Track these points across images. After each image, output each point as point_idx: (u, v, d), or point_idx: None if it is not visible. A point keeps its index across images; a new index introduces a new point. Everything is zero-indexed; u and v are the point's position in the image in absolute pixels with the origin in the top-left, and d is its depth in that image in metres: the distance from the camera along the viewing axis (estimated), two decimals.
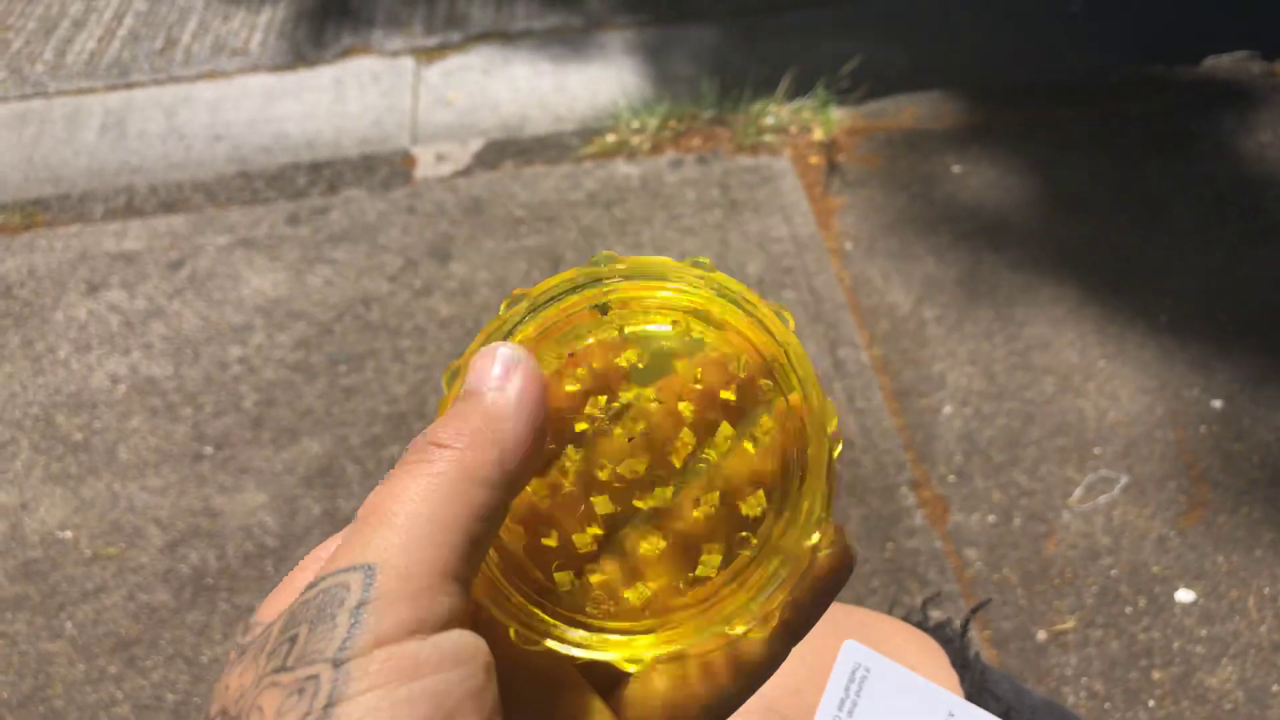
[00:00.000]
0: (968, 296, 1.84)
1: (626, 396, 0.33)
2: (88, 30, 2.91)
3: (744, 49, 2.60)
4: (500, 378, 0.30)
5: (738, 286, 0.33)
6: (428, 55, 2.70)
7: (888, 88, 2.34)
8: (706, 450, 0.33)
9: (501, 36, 2.73)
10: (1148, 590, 1.43)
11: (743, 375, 0.33)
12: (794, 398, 0.32)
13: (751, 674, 0.31)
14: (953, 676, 0.54)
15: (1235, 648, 1.36)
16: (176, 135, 2.52)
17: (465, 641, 0.25)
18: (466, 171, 2.24)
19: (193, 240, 2.10)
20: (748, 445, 0.33)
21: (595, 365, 0.33)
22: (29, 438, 1.74)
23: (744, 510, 0.32)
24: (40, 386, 1.82)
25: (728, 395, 0.33)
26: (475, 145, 2.33)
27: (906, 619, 0.62)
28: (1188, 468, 1.56)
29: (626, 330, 0.34)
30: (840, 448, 0.31)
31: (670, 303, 0.34)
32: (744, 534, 0.32)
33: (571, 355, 0.33)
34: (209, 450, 1.70)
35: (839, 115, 2.24)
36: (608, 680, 0.32)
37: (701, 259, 0.34)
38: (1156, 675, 1.34)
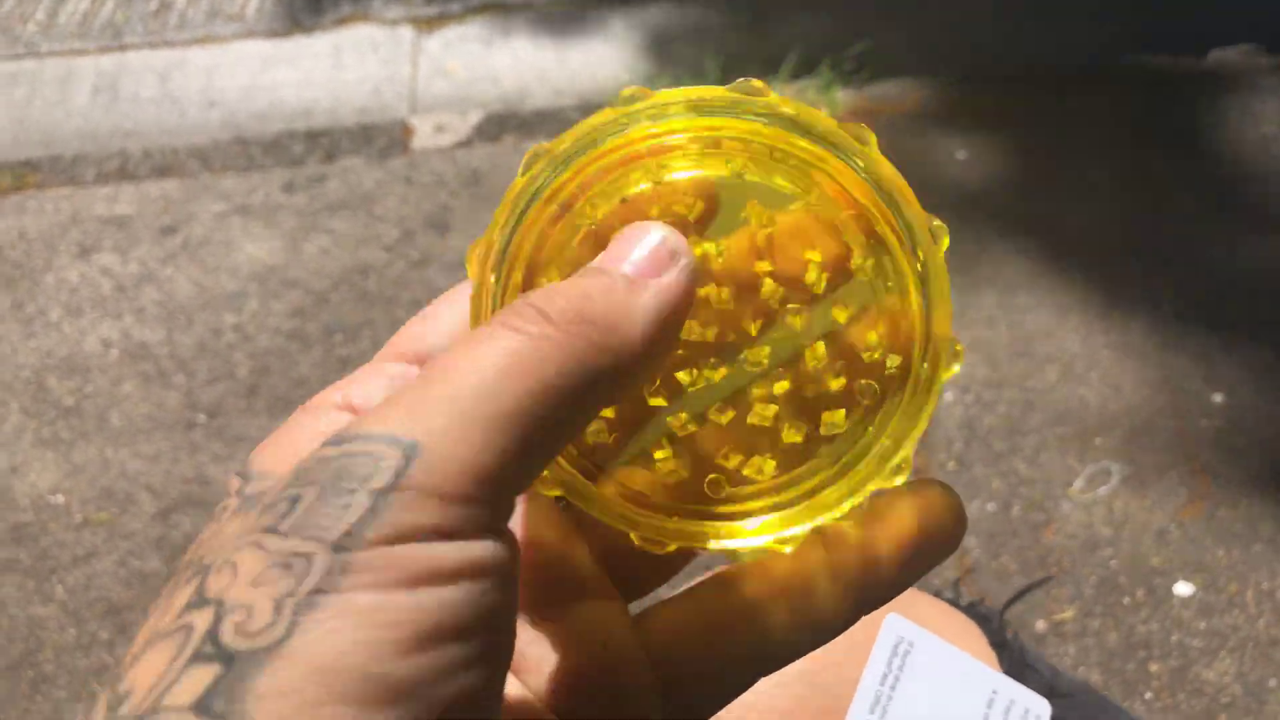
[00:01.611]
0: (970, 284, 1.83)
1: (698, 249, 0.28)
2: None
3: (748, 27, 2.57)
4: (646, 267, 0.25)
5: (829, 124, 0.27)
6: (427, 24, 2.67)
7: (892, 71, 2.32)
8: (790, 318, 0.28)
9: (501, 8, 2.70)
10: (1147, 582, 1.43)
11: (844, 238, 0.28)
12: (910, 298, 0.27)
13: (814, 629, 0.27)
14: (991, 655, 0.53)
15: (1233, 641, 1.36)
16: (170, 100, 2.48)
17: (491, 552, 0.21)
18: (466, 143, 2.22)
19: (186, 206, 2.07)
20: (838, 315, 0.28)
21: (653, 214, 0.28)
22: (19, 400, 1.71)
23: (832, 392, 0.28)
24: (31, 350, 1.79)
25: (816, 262, 0.28)
26: (475, 117, 2.30)
27: (938, 595, 0.61)
28: (1189, 460, 1.55)
29: (683, 176, 0.28)
30: (960, 362, 0.27)
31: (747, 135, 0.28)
32: (832, 423, 0.28)
33: (624, 202, 0.28)
34: (202, 418, 1.68)
35: (843, 97, 2.23)
36: (632, 589, 0.29)
37: (755, 81, 0.28)
38: (1154, 667, 1.34)
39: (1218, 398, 1.63)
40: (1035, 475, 1.55)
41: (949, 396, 1.65)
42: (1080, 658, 1.35)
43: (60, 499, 1.57)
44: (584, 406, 0.23)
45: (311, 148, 2.25)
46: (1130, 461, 1.55)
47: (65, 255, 1.96)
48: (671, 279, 0.25)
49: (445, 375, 0.22)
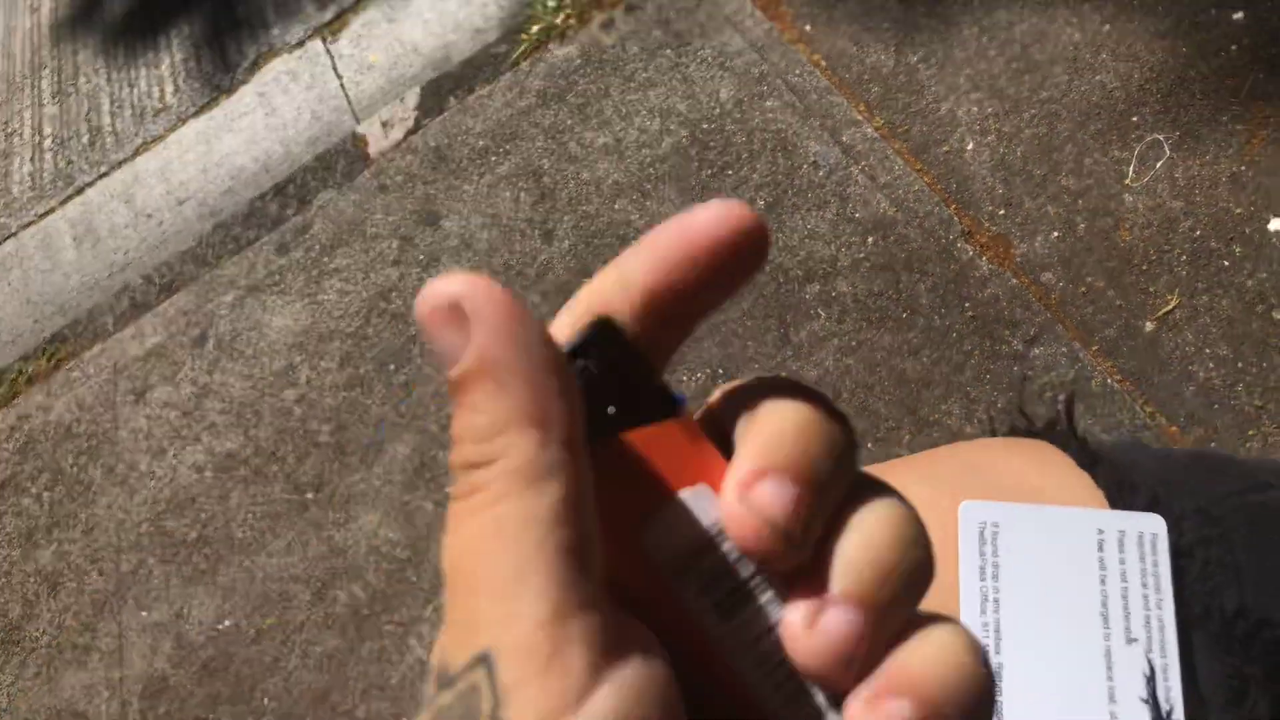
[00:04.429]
0: (944, 23, 1.73)
1: None
2: (18, 155, 2.88)
3: None
4: (457, 332, 0.22)
5: None
6: (330, 29, 2.61)
7: None
8: None
9: None
10: (1239, 235, 1.36)
11: None
12: None
13: None
14: (1084, 479, 0.50)
15: None
16: (143, 216, 2.50)
17: (626, 688, 0.21)
18: (416, 127, 2.18)
19: (203, 310, 2.11)
20: None
21: None
22: (152, 554, 1.80)
23: None
24: (140, 504, 1.87)
25: None
26: (413, 97, 2.26)
27: (1013, 430, 0.57)
28: (1233, 94, 1.46)
29: None
30: None
31: None
32: None
33: None
34: (310, 495, 1.74)
35: None
36: None
37: None
38: (1278, 314, 1.29)
39: (1238, 15, 1.52)
40: (1086, 184, 1.48)
41: (969, 146, 1.58)
42: (1200, 340, 1.31)
43: (228, 623, 1.65)
44: (578, 488, 0.22)
45: (284, 200, 2.25)
46: (1175, 124, 1.47)
47: (125, 406, 2.03)
48: (483, 313, 0.22)
49: (464, 578, 0.22)
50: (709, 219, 0.24)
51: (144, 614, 1.72)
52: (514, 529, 0.21)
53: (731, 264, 0.24)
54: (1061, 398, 1.33)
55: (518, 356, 0.22)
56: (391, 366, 1.82)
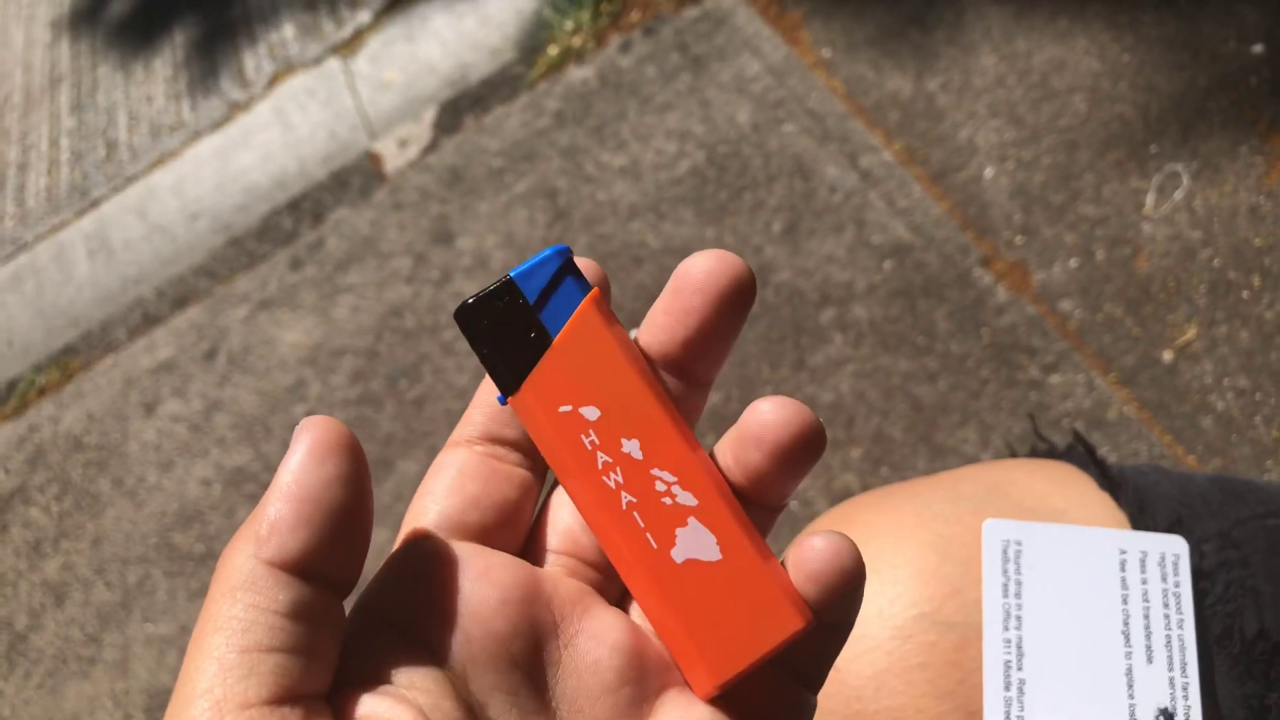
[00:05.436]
0: (963, 50, 1.73)
1: None
2: (34, 169, 2.89)
3: None
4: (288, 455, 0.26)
5: None
6: (348, 48, 2.62)
7: None
8: None
9: None
10: (1258, 266, 1.36)
11: None
12: None
13: None
14: (1106, 501, 0.50)
15: None
16: (158, 231, 2.51)
17: None
18: (432, 146, 2.19)
19: (215, 324, 2.11)
20: None
21: None
22: (158, 567, 1.79)
23: None
24: (147, 517, 1.87)
25: None
26: (429, 116, 2.27)
27: (1033, 452, 0.57)
28: (1253, 125, 1.46)
29: None
30: None
31: None
32: None
33: None
34: None
35: None
36: None
37: None
38: None
39: (1257, 49, 1.52)
40: (1105, 212, 1.48)
41: (988, 173, 1.58)
42: (1220, 371, 1.30)
43: None
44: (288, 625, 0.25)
45: (299, 217, 2.26)
46: (1194, 155, 1.47)
47: (135, 420, 2.03)
48: (303, 447, 0.25)
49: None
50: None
51: (149, 627, 1.71)
52: (203, 630, 0.23)
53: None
54: (1079, 425, 1.32)
55: (287, 480, 0.24)
56: (403, 383, 1.82)
